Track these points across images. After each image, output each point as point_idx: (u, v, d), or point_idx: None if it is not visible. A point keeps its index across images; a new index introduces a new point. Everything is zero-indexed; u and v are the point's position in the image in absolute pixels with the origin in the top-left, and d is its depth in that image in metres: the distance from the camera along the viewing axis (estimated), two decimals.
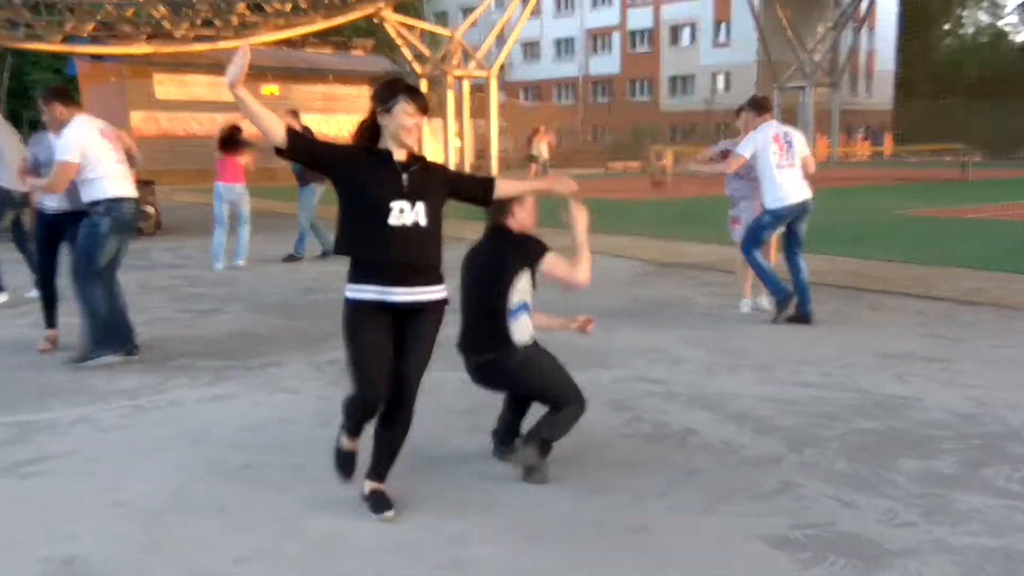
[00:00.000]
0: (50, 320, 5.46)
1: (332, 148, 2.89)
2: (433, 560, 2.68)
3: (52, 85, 5.37)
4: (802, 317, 6.01)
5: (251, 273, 8.69)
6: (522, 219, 3.27)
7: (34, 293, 7.06)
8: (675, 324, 6.07)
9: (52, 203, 5.28)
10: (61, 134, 4.94)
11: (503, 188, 3.09)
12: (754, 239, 6.08)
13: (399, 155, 2.85)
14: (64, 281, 5.40)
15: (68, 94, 5.11)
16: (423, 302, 2.87)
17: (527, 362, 3.25)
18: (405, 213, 2.78)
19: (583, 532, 2.86)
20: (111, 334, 5.09)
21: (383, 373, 2.84)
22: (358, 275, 2.84)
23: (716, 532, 2.87)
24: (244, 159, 8.84)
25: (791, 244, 6.08)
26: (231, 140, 8.68)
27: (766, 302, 6.41)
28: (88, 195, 5.02)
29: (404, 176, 2.80)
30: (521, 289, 3.23)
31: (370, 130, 2.89)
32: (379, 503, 2.97)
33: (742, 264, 6.47)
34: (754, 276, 6.35)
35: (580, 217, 3.29)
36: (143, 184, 7.61)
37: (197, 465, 3.48)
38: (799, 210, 5.98)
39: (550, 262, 3.25)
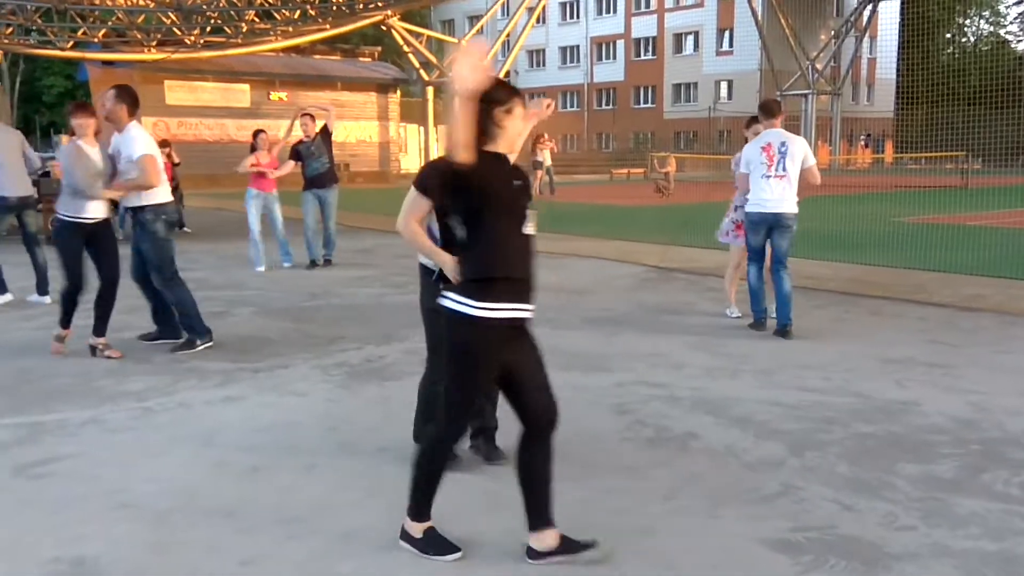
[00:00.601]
0: (66, 320, 5.39)
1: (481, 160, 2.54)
2: (437, 563, 2.70)
3: (123, 84, 5.34)
4: (779, 330, 5.79)
5: (258, 278, 8.76)
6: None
7: (35, 297, 7.11)
8: (677, 329, 6.10)
9: (92, 212, 5.18)
10: (129, 135, 5.12)
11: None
12: (748, 250, 6.09)
13: None
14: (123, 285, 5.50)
15: (139, 100, 5.26)
16: (528, 319, 2.69)
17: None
18: (532, 221, 2.64)
19: (589, 534, 2.86)
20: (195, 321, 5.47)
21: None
22: (493, 292, 2.53)
23: (719, 534, 2.91)
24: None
25: (773, 260, 5.89)
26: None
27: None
28: (138, 200, 5.23)
29: (517, 182, 2.63)
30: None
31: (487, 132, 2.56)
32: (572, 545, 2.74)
33: (731, 271, 6.57)
34: (740, 283, 6.44)
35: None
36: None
37: (205, 467, 3.52)
38: (772, 220, 5.77)
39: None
